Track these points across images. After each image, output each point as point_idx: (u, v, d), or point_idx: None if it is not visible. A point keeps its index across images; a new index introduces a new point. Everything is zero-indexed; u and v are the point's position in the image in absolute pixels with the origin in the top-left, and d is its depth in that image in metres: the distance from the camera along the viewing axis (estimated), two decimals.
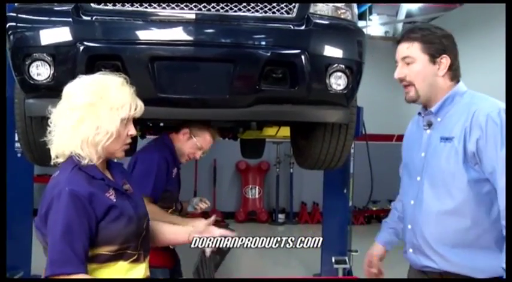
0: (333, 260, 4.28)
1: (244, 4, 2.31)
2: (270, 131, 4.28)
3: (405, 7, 8.80)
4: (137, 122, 1.67)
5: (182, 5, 2.24)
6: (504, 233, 1.64)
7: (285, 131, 4.02)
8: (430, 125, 1.90)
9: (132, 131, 1.59)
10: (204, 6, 2.26)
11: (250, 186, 8.35)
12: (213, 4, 2.26)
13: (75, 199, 1.42)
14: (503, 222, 1.65)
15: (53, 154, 1.55)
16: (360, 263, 2.35)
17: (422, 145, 1.91)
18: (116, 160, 1.70)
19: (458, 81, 1.89)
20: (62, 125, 1.52)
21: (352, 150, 4.40)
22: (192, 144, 2.69)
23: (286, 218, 8.28)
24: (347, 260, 4.29)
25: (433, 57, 1.82)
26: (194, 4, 2.25)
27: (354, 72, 2.46)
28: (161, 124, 4.20)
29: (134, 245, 1.57)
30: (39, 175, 6.66)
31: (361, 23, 9.64)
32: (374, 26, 9.52)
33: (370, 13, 9.61)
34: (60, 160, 1.54)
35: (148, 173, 2.51)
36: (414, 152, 1.95)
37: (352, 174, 4.60)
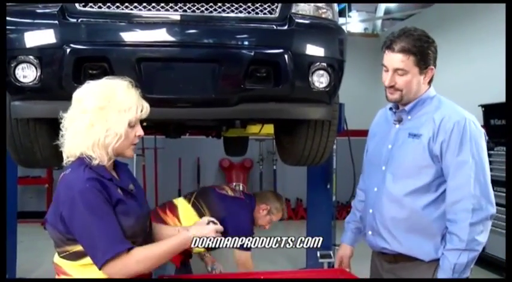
0: (318, 255, 4.36)
1: (228, 5, 2.35)
2: (254, 128, 4.33)
3: (383, 4, 8.93)
4: None
5: (167, 7, 2.27)
6: (449, 227, 1.87)
7: (268, 129, 4.07)
8: (400, 120, 2.05)
9: (139, 132, 1.66)
10: (189, 8, 2.29)
11: (234, 184, 8.38)
12: (197, 6, 2.29)
13: (98, 193, 1.51)
14: (450, 216, 1.87)
15: (64, 156, 1.62)
16: None
17: (390, 138, 2.06)
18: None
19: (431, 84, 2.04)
20: (73, 128, 1.59)
21: (334, 146, 4.48)
22: (267, 219, 3.15)
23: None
24: (332, 254, 4.37)
25: (422, 69, 1.94)
26: (179, 6, 2.28)
27: (336, 70, 2.52)
28: (144, 123, 4.21)
29: (140, 241, 1.63)
30: (21, 177, 6.61)
31: (340, 20, 9.71)
32: (353, 23, 9.63)
33: (350, 10, 9.72)
34: (71, 159, 1.61)
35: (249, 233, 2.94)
36: (381, 144, 2.09)
37: (334, 170, 4.68)
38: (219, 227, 1.76)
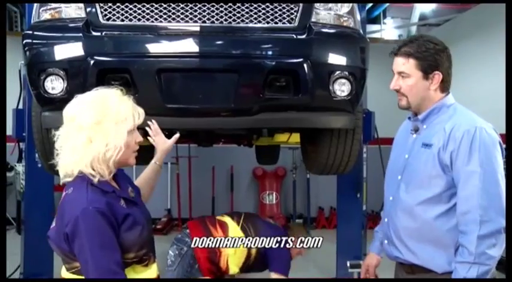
0: (348, 265, 4.30)
1: (247, 15, 2.38)
2: (282, 137, 4.34)
3: (418, 10, 8.78)
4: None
5: (187, 19, 2.33)
6: (459, 238, 1.82)
7: (297, 137, 4.07)
8: (416, 130, 2.04)
9: (139, 138, 1.63)
10: (208, 19, 2.34)
11: (267, 192, 8.38)
12: (216, 17, 2.34)
13: (103, 216, 1.46)
14: (461, 228, 1.81)
15: (61, 174, 1.58)
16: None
17: (408, 148, 2.05)
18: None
19: (448, 92, 1.99)
20: (69, 146, 1.53)
21: (364, 155, 4.43)
22: (296, 251, 3.36)
23: (303, 223, 8.31)
24: (362, 264, 4.29)
25: (426, 74, 1.92)
26: (199, 17, 2.33)
27: (358, 78, 2.51)
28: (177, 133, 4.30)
29: (147, 250, 1.62)
30: (60, 184, 6.83)
31: (375, 27, 9.65)
32: (388, 29, 9.51)
33: (385, 17, 9.62)
34: (68, 179, 1.56)
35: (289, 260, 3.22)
36: (400, 153, 2.09)
37: (365, 179, 4.61)
38: None
